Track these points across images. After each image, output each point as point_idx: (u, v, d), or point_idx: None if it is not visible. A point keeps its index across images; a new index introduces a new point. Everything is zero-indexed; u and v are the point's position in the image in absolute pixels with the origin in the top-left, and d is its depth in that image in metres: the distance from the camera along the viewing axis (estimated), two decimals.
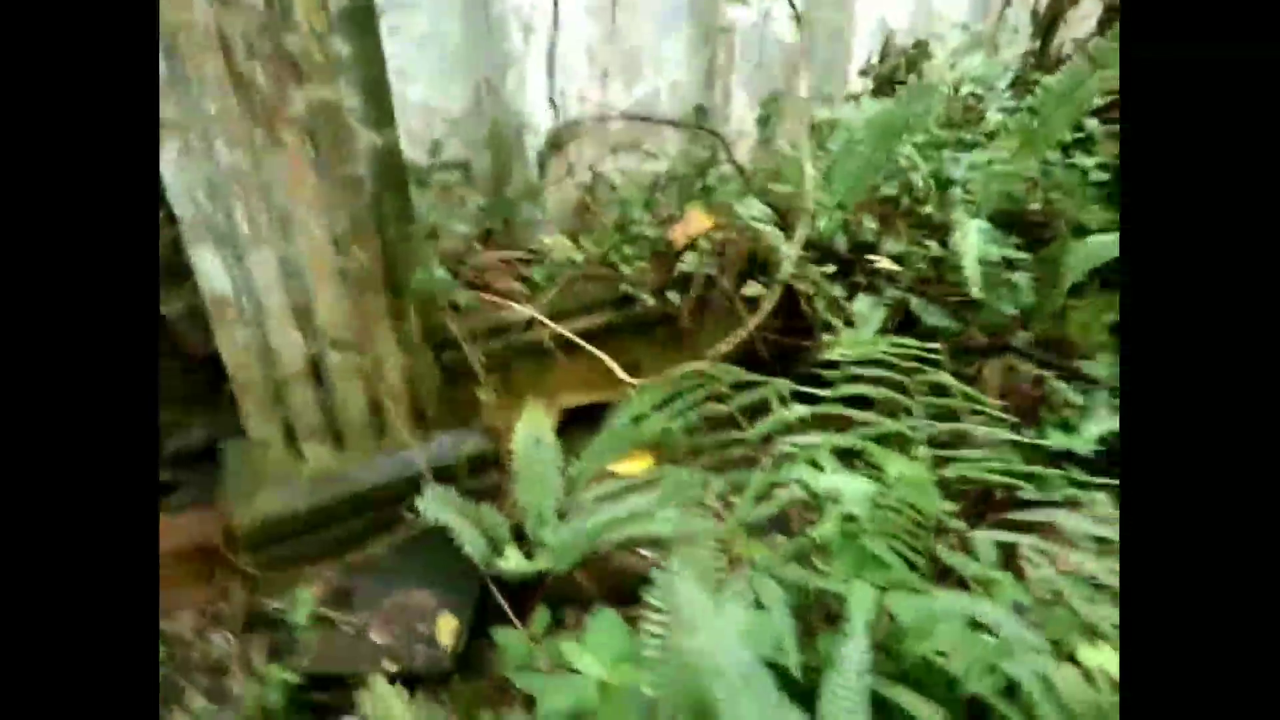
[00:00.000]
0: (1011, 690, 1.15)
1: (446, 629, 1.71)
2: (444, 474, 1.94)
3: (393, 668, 1.54)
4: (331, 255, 1.65)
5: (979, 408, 1.70)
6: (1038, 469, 1.49)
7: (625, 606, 1.78)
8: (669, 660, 0.89)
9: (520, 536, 1.76)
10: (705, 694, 0.82)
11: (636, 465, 1.93)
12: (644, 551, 1.91)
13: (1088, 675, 1.03)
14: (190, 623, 1.75)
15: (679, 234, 2.28)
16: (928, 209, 2.32)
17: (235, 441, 2.03)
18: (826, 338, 2.24)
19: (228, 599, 1.81)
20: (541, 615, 1.58)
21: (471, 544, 1.60)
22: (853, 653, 1.01)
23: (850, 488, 1.14)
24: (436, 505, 1.59)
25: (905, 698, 1.08)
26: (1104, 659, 0.94)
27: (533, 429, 1.76)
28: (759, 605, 1.15)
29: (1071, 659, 1.04)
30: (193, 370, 2.23)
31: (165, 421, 2.18)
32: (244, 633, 1.73)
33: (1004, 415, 1.74)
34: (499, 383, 2.09)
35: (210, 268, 1.58)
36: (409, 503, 1.89)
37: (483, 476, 1.99)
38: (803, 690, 1.11)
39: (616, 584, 1.88)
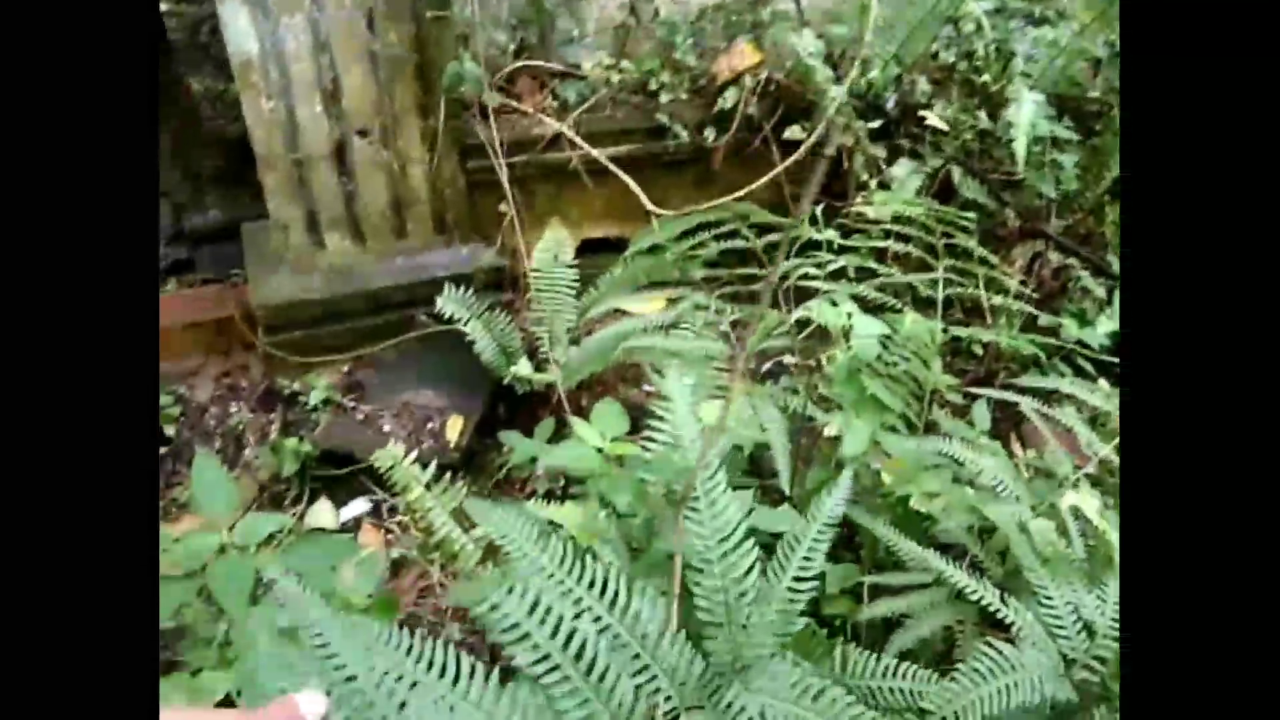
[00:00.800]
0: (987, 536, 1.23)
1: (454, 428, 1.78)
2: (460, 283, 1.95)
3: (401, 450, 1.62)
4: (363, 32, 1.57)
5: (1002, 284, 1.70)
6: (1042, 351, 1.51)
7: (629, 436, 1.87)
8: (662, 440, 0.93)
9: (531, 354, 1.79)
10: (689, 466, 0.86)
11: (649, 305, 1.95)
12: (649, 387, 1.96)
13: (1062, 529, 1.09)
14: (208, 392, 1.82)
15: (724, 67, 2.17)
16: (985, 78, 2.20)
17: (256, 223, 2.03)
18: (860, 197, 2.19)
19: (245, 374, 1.87)
20: (546, 425, 1.64)
21: (486, 349, 1.64)
22: (841, 481, 1.05)
23: (862, 325, 1.15)
24: (456, 305, 1.61)
25: (883, 530, 1.15)
26: (1083, 501, 0.99)
27: (554, 247, 1.75)
28: (760, 428, 1.20)
29: (1052, 508, 1.09)
30: (217, 151, 2.19)
31: (186, 199, 2.16)
32: (259, 407, 1.80)
33: (1025, 295, 1.74)
34: (523, 200, 2.06)
35: (240, 26, 1.50)
36: (424, 306, 1.92)
37: (497, 293, 2.00)
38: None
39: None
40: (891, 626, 1.10)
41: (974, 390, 1.43)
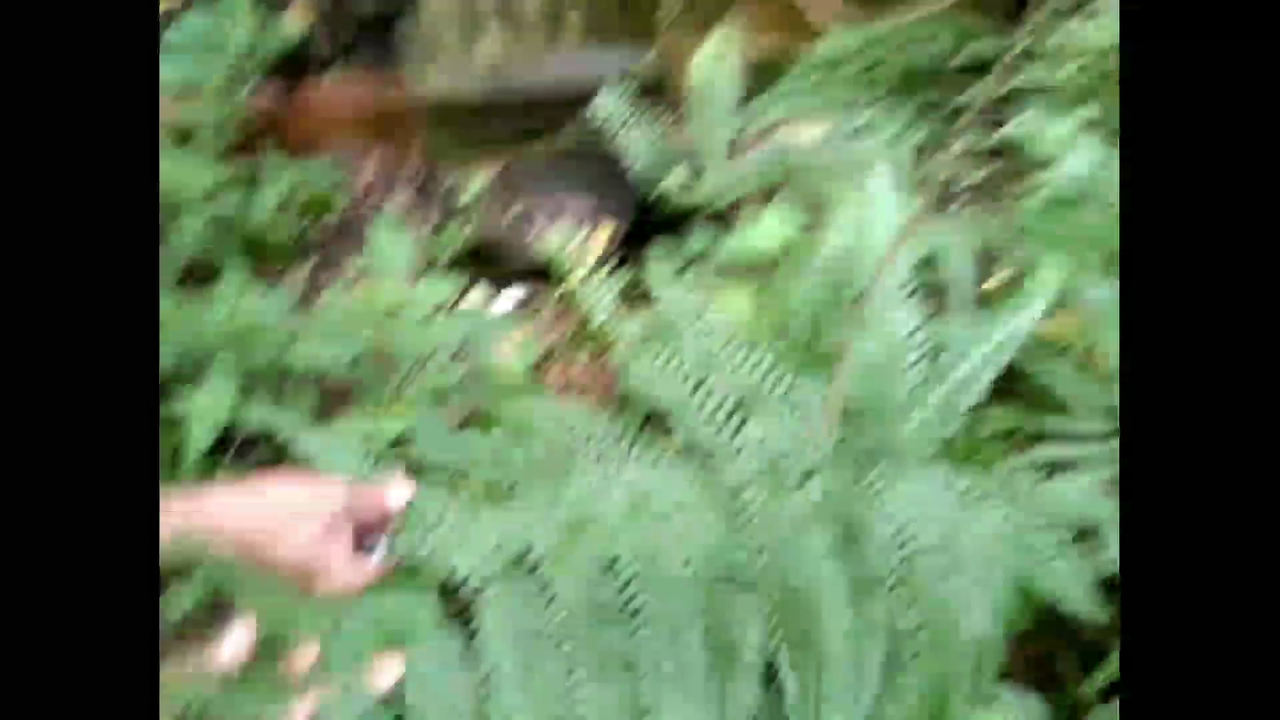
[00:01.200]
0: None
1: (602, 231, 1.79)
2: (616, 87, 1.89)
3: (552, 247, 1.64)
4: None
5: None
6: None
7: None
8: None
9: (685, 168, 1.74)
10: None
11: (809, 130, 1.82)
12: None
13: None
14: (370, 176, 1.89)
15: None
16: None
17: (414, 15, 2.00)
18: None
19: (405, 165, 1.92)
20: (701, 236, 1.61)
21: (638, 157, 1.59)
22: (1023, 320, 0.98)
23: (1081, 152, 1.03)
24: (611, 107, 1.56)
25: (1053, 368, 1.08)
26: None
27: (718, 55, 1.64)
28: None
29: None
30: None
31: None
32: (418, 197, 1.86)
33: None
34: (685, 3, 1.92)
35: None
36: (578, 108, 1.88)
37: (653, 101, 1.92)
38: None
39: None
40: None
41: None
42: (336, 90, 1.98)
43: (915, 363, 0.83)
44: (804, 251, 0.91)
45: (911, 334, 0.83)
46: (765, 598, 0.70)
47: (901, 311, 0.84)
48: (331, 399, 1.33)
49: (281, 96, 1.95)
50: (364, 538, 0.73)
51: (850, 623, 0.68)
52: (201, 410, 0.98)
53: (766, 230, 0.90)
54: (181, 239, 1.45)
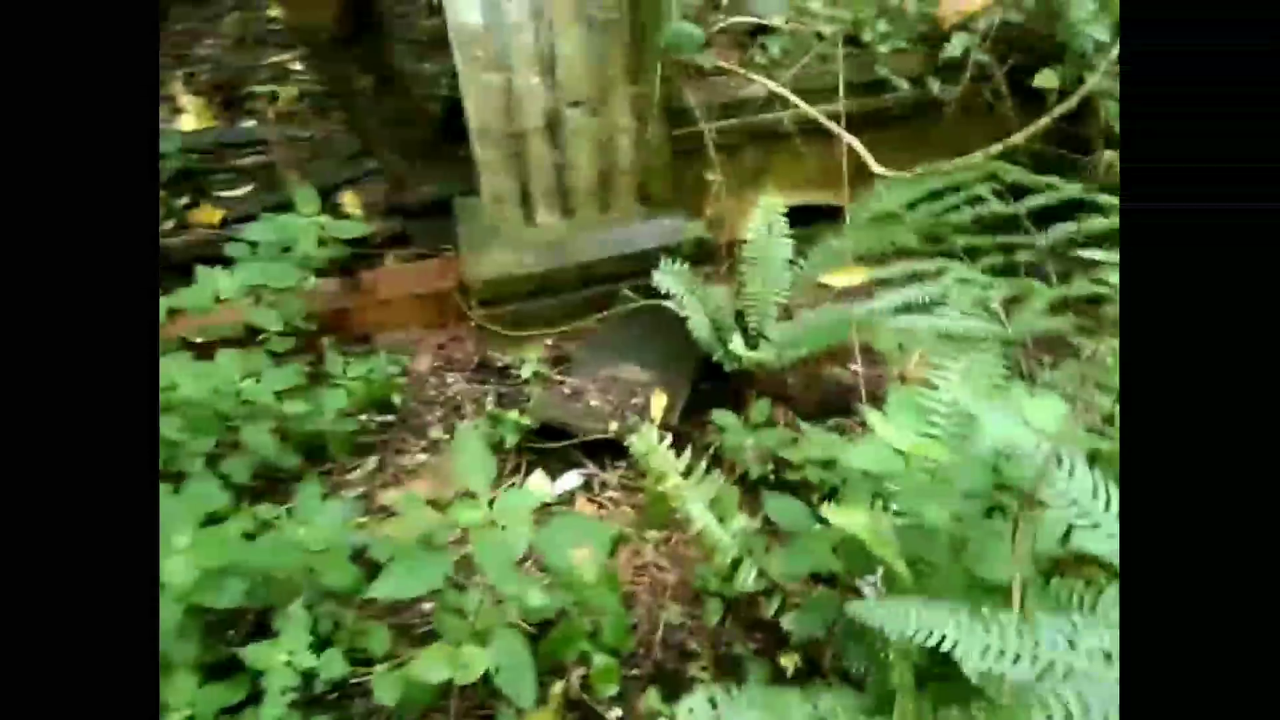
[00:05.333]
0: None
1: (658, 404, 1.75)
2: (666, 256, 1.91)
3: (611, 426, 1.60)
4: None
5: None
6: None
7: (836, 417, 1.75)
8: (960, 438, 0.83)
9: (741, 329, 1.72)
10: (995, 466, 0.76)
11: (851, 276, 1.81)
12: (855, 367, 1.83)
13: None
14: (428, 363, 1.90)
15: (948, 10, 1.96)
16: None
17: (468, 198, 2.08)
18: (1109, 153, 1.92)
19: (460, 345, 1.94)
20: (760, 406, 1.56)
21: (698, 325, 1.58)
22: None
23: None
24: (672, 279, 1.56)
25: None
26: None
27: (769, 218, 1.66)
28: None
29: None
30: (425, 127, 2.27)
31: (399, 174, 2.26)
32: (474, 378, 1.85)
33: None
34: (725, 167, 1.97)
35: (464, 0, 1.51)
36: (629, 279, 1.90)
37: (702, 264, 1.94)
38: None
39: (826, 394, 1.84)
40: None
41: None
42: (394, 275, 2.03)
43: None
44: (935, 454, 0.83)
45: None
46: None
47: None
48: (408, 637, 1.27)
49: (343, 287, 2.00)
50: None
51: None
52: (277, 663, 0.93)
53: (893, 423, 0.83)
54: (252, 446, 1.44)
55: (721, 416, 1.57)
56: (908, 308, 1.19)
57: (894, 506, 0.84)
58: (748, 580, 1.00)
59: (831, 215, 1.80)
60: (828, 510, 0.73)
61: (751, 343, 1.64)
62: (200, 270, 1.65)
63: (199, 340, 1.64)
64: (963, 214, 1.37)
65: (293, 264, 1.68)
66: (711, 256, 1.94)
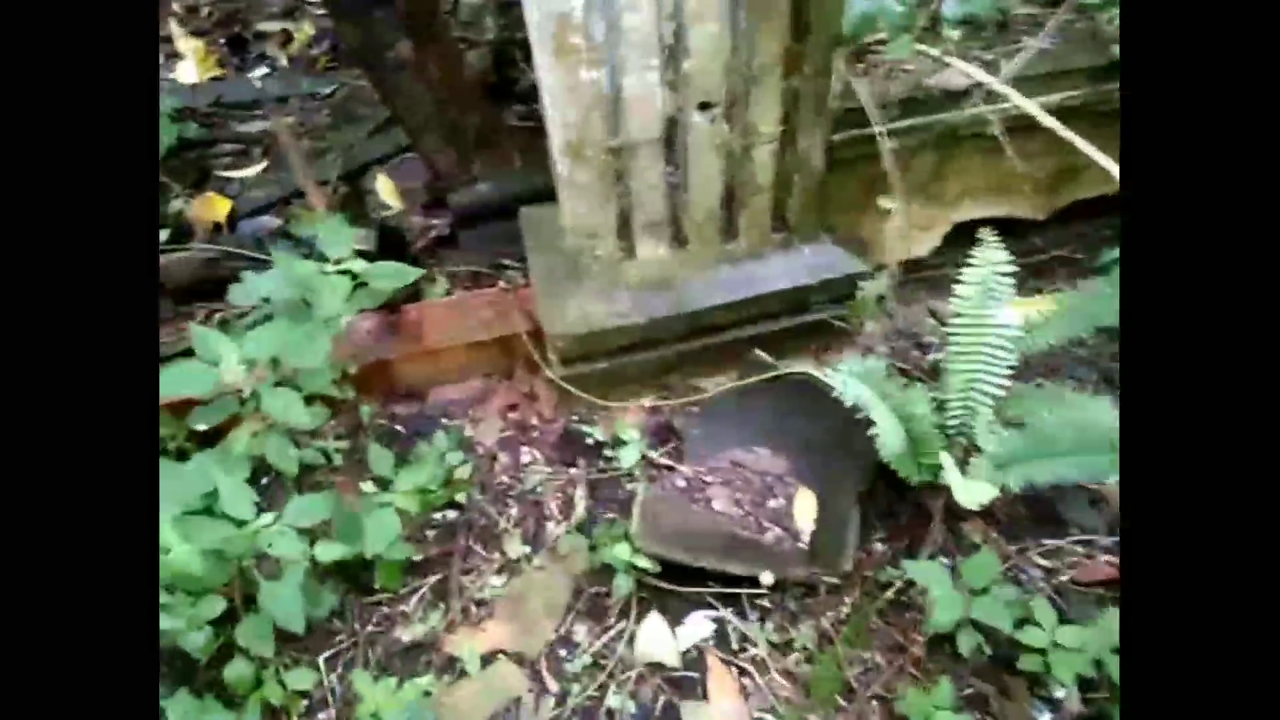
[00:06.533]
0: None
1: (804, 509, 1.33)
2: (799, 299, 1.45)
3: (769, 577, 1.19)
4: None
5: None
6: None
7: (1054, 538, 1.29)
8: None
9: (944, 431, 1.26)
10: None
11: (1028, 307, 1.35)
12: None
13: None
14: (494, 433, 1.48)
15: None
16: None
17: (539, 208, 1.61)
18: None
19: (533, 406, 1.51)
20: (981, 563, 1.12)
21: (891, 441, 1.11)
22: None
23: None
24: (856, 383, 1.10)
25: None
26: None
27: (987, 272, 1.17)
28: None
29: None
30: (475, 105, 1.77)
31: (442, 168, 1.78)
32: (556, 456, 1.44)
33: None
34: (888, 179, 1.47)
35: None
36: (752, 327, 1.44)
37: (839, 307, 1.47)
38: None
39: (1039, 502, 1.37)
40: None
41: None
42: (445, 317, 1.58)
43: None
44: None
45: None
46: None
47: None
48: None
49: (380, 327, 1.57)
50: None
51: None
52: None
53: None
54: (271, 611, 1.06)
55: (924, 573, 1.14)
56: None
57: None
58: None
59: (1007, 230, 1.28)
60: None
61: (964, 463, 1.18)
62: (198, 335, 1.23)
63: (201, 428, 1.24)
64: None
65: (318, 329, 1.25)
66: (880, 299, 1.46)
